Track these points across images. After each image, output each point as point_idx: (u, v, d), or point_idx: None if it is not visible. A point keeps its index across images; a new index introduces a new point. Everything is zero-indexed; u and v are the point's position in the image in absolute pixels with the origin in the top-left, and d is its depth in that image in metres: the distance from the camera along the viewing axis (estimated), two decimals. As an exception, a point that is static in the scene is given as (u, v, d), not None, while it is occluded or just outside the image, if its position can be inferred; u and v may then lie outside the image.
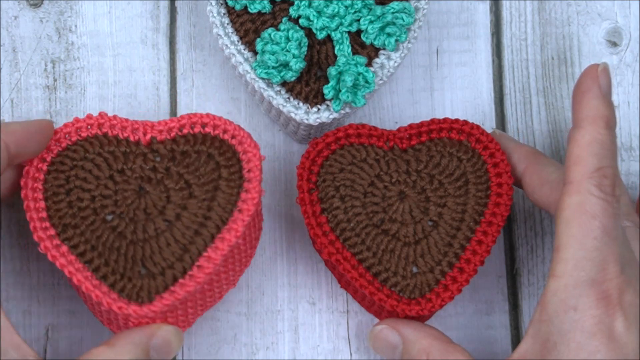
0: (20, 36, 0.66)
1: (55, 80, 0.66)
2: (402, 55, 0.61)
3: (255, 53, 0.60)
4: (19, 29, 0.66)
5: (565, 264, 0.51)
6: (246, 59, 0.60)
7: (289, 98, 0.60)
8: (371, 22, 0.60)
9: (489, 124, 0.67)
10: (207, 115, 0.59)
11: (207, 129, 0.59)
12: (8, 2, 0.67)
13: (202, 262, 0.56)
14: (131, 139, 0.59)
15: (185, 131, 0.59)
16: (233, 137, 0.58)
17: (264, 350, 0.63)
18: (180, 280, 0.55)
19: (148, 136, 0.59)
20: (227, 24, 0.61)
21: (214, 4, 0.61)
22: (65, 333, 0.62)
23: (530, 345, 0.53)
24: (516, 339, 0.64)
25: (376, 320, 0.63)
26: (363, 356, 0.63)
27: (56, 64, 0.66)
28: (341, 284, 0.63)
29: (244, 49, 0.61)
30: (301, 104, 0.60)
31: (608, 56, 0.68)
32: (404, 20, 0.60)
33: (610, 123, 0.53)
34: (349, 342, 0.63)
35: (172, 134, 0.59)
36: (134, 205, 0.58)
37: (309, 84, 0.60)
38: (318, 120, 0.60)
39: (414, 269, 0.58)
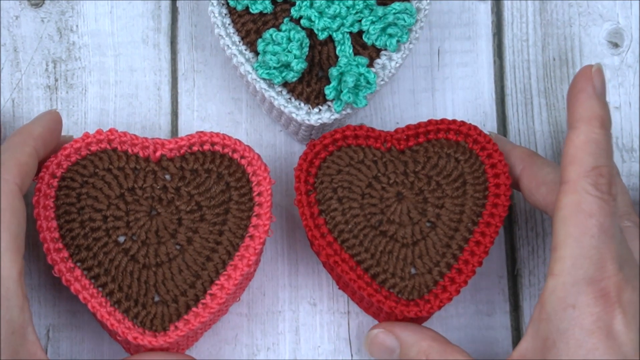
0: (21, 36, 0.67)
1: (56, 80, 0.67)
2: (404, 55, 0.61)
3: (257, 53, 0.61)
4: (20, 29, 0.67)
5: (563, 263, 0.52)
6: (247, 60, 0.61)
7: (290, 99, 0.61)
8: (373, 22, 0.61)
9: (490, 125, 0.67)
10: (217, 134, 0.60)
11: (217, 148, 0.60)
12: (9, 1, 0.67)
13: (215, 290, 0.57)
14: (141, 155, 0.60)
15: (195, 149, 0.60)
16: (242, 157, 0.59)
17: (264, 351, 0.64)
18: (194, 309, 0.57)
19: (158, 153, 0.60)
20: (229, 24, 0.61)
21: (215, 4, 0.61)
22: (66, 333, 0.63)
23: (530, 344, 0.54)
24: (517, 340, 0.64)
25: (375, 321, 0.64)
26: (364, 357, 0.64)
27: (57, 63, 0.67)
28: (339, 285, 0.64)
29: (246, 50, 0.61)
30: (302, 104, 0.61)
31: (609, 57, 0.68)
32: (405, 21, 0.61)
33: (605, 123, 0.53)
34: (350, 343, 0.64)
35: (182, 152, 0.60)
36: (146, 227, 0.59)
37: (310, 85, 0.61)
38: (319, 121, 0.61)
39: (412, 270, 0.59)
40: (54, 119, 0.60)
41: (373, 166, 0.61)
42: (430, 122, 0.62)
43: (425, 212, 0.60)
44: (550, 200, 0.58)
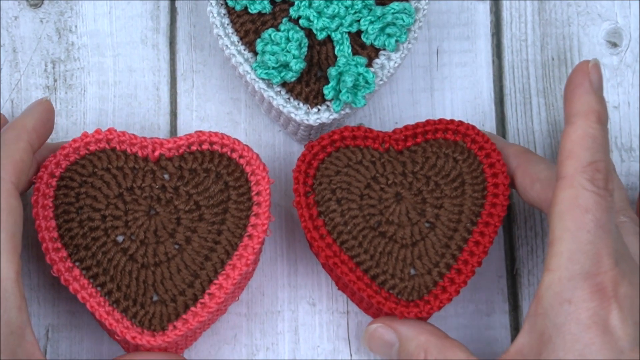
0: (20, 36, 0.67)
1: (55, 80, 0.67)
2: (402, 55, 0.62)
3: (256, 53, 0.61)
4: (19, 29, 0.67)
5: (559, 258, 0.52)
6: (246, 60, 0.61)
7: (289, 98, 0.61)
8: (371, 22, 0.61)
9: (489, 125, 0.68)
10: (216, 133, 0.60)
11: (215, 147, 0.60)
12: (8, 2, 0.67)
13: (214, 290, 0.57)
14: (140, 155, 0.60)
15: (193, 148, 0.60)
16: (241, 156, 0.60)
17: (264, 351, 0.64)
18: (192, 309, 0.57)
19: (157, 153, 0.60)
20: (228, 24, 0.62)
21: (214, 4, 0.62)
22: (65, 334, 0.63)
23: (526, 339, 0.54)
24: None
25: (375, 322, 0.64)
26: (363, 357, 0.64)
27: (56, 64, 0.67)
28: (339, 286, 0.64)
29: (244, 50, 0.61)
30: (301, 104, 0.61)
31: (608, 57, 0.69)
32: (404, 21, 0.61)
33: (602, 118, 0.53)
34: (349, 343, 0.64)
35: (181, 151, 0.60)
36: (144, 226, 0.59)
37: (309, 85, 0.61)
38: (318, 121, 0.61)
39: (412, 271, 0.59)
40: (46, 109, 0.59)
41: (371, 167, 0.61)
42: (428, 122, 0.62)
43: (424, 212, 0.60)
44: (544, 197, 0.58)
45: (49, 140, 0.61)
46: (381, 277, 0.59)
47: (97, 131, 0.60)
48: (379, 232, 0.60)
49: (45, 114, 0.59)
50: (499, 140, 0.63)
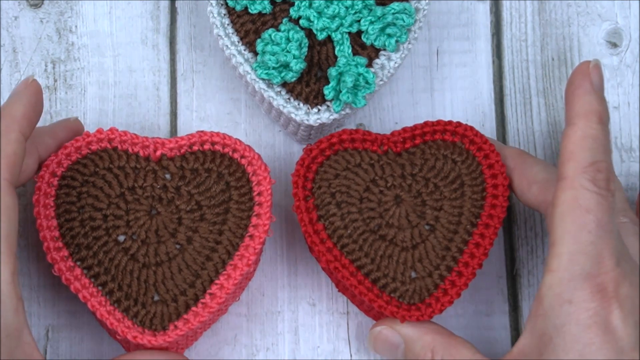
0: (20, 36, 0.68)
1: (55, 80, 0.67)
2: (403, 56, 0.62)
3: (256, 54, 0.61)
4: (19, 30, 0.68)
5: (560, 258, 0.52)
6: (247, 60, 0.61)
7: (289, 99, 0.62)
8: (372, 22, 0.61)
9: (489, 125, 0.68)
10: (218, 133, 0.60)
11: (217, 147, 0.60)
12: (8, 2, 0.68)
13: (215, 290, 0.58)
14: (141, 154, 0.61)
15: (195, 148, 0.61)
16: (243, 156, 0.60)
17: (264, 351, 0.64)
18: (194, 309, 0.57)
19: (158, 152, 0.60)
20: (228, 24, 0.62)
21: (214, 4, 0.62)
22: (65, 334, 0.64)
23: (528, 340, 0.54)
24: (516, 340, 0.64)
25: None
26: (363, 357, 0.64)
27: (56, 64, 0.67)
28: (339, 288, 0.64)
29: (245, 50, 0.62)
30: (301, 104, 0.61)
31: (608, 57, 0.69)
32: (404, 21, 0.61)
33: (603, 118, 0.54)
34: (349, 343, 0.65)
35: (182, 151, 0.61)
36: (146, 226, 0.59)
37: (309, 85, 0.61)
38: (318, 121, 0.61)
39: (413, 274, 0.59)
40: (34, 91, 0.57)
41: (370, 169, 0.61)
42: (426, 123, 0.62)
43: (424, 214, 0.60)
44: (542, 199, 0.58)
45: (41, 123, 0.60)
46: (382, 280, 0.59)
47: (99, 130, 0.60)
48: (379, 235, 0.60)
49: (34, 96, 0.57)
50: (495, 143, 0.63)
